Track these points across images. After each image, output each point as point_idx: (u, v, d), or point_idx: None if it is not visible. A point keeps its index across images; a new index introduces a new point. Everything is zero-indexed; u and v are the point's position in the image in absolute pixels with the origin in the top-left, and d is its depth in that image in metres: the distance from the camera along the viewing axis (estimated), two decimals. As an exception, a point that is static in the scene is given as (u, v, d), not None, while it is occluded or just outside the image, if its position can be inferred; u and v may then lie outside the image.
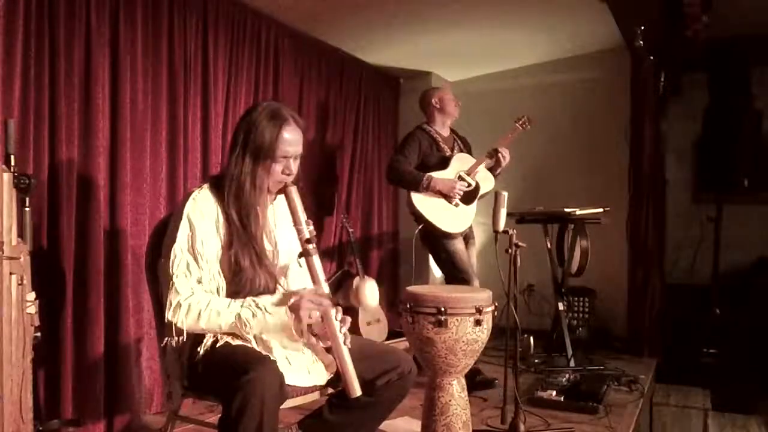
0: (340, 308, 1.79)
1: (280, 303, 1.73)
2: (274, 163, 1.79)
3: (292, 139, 1.80)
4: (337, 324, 1.75)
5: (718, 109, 4.22)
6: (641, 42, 3.86)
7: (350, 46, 4.36)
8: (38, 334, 1.97)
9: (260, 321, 1.71)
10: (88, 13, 2.60)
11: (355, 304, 1.74)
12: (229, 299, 1.74)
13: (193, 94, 3.13)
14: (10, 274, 1.79)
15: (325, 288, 1.81)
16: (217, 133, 3.29)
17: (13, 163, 1.97)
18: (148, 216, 2.86)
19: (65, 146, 2.52)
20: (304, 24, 3.88)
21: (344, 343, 1.76)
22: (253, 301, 1.73)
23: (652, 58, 4.17)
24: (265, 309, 1.71)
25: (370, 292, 1.75)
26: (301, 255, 1.80)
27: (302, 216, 1.80)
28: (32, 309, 1.90)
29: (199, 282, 1.73)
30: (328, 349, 1.89)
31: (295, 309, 1.72)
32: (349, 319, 1.80)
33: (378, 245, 4.89)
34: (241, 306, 1.72)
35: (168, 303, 1.70)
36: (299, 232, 1.79)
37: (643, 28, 3.80)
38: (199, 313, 1.69)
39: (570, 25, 4.23)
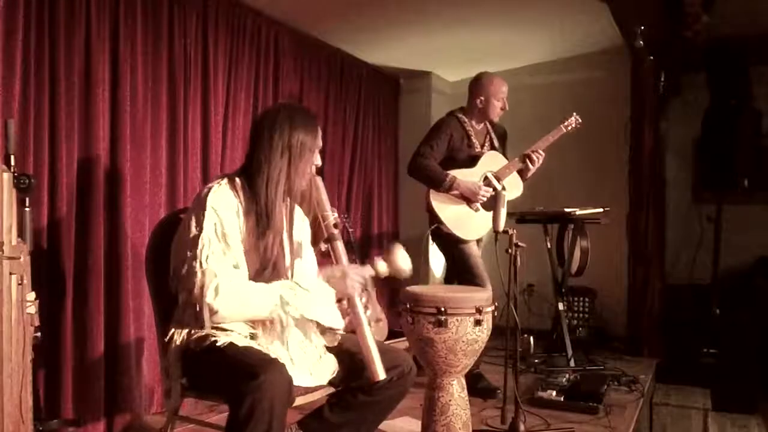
0: (367, 292, 1.85)
1: (321, 281, 1.80)
2: (312, 156, 1.88)
3: (320, 135, 1.93)
4: (362, 308, 1.78)
5: (718, 109, 4.23)
6: (641, 42, 3.87)
7: (350, 46, 4.36)
8: (38, 334, 1.97)
9: (302, 299, 1.74)
10: (88, 13, 2.60)
11: (390, 272, 1.83)
12: (262, 283, 1.76)
13: (193, 94, 3.13)
14: (10, 274, 1.79)
15: None
16: (217, 132, 3.29)
17: (13, 163, 1.97)
18: (148, 216, 2.86)
19: (65, 146, 2.52)
20: (304, 24, 3.88)
21: (368, 326, 1.80)
22: (292, 281, 1.78)
23: (652, 58, 4.17)
24: (305, 288, 1.76)
25: (402, 258, 1.81)
26: (327, 240, 1.87)
27: (327, 203, 1.90)
28: (32, 309, 1.90)
29: (236, 267, 1.72)
30: (337, 351, 1.92)
31: (340, 283, 1.79)
32: (375, 308, 1.84)
33: (378, 245, 4.89)
34: (281, 287, 1.75)
35: (204, 287, 1.65)
36: (324, 218, 1.88)
37: (643, 28, 3.80)
38: (243, 295, 1.69)
39: (570, 25, 4.23)
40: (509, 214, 2.77)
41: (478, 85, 3.26)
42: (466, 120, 3.26)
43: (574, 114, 3.35)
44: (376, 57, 4.63)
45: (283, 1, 3.50)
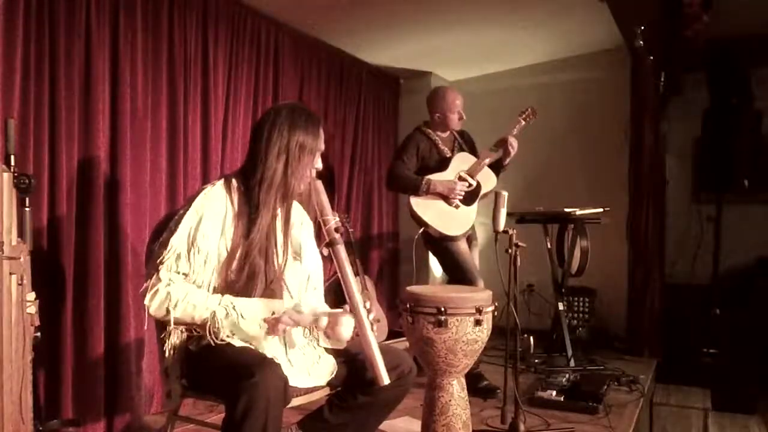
0: (367, 292, 1.83)
1: (258, 314, 1.75)
2: (312, 159, 1.87)
3: (323, 137, 1.92)
4: (364, 312, 1.77)
5: (718, 109, 4.23)
6: (641, 42, 3.86)
7: (350, 46, 4.36)
8: (38, 334, 1.97)
9: (232, 323, 1.72)
10: (88, 13, 2.60)
11: (328, 334, 1.80)
12: (207, 293, 1.75)
13: (193, 94, 3.13)
14: (10, 274, 1.79)
15: (351, 275, 1.85)
16: (217, 132, 3.29)
17: (13, 163, 1.97)
18: (148, 216, 2.86)
19: (65, 146, 2.52)
20: (304, 24, 3.88)
21: (371, 330, 1.77)
22: (231, 302, 1.74)
23: (652, 58, 4.17)
24: (240, 314, 1.73)
25: (345, 326, 1.78)
26: (328, 245, 1.85)
27: (328, 207, 1.88)
28: (32, 309, 1.90)
29: (185, 275, 1.74)
30: (337, 352, 1.91)
31: (271, 321, 1.74)
32: (374, 308, 1.81)
33: (378, 245, 4.89)
34: (218, 304, 1.73)
35: (149, 287, 1.72)
36: (326, 223, 1.86)
37: (643, 28, 3.80)
38: (177, 303, 1.70)
39: (570, 25, 4.23)
40: (509, 214, 2.77)
41: (432, 102, 3.40)
42: (431, 131, 3.38)
43: (530, 107, 3.39)
44: (376, 57, 4.63)
45: (283, 1, 3.50)
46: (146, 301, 1.71)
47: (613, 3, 3.63)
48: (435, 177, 3.21)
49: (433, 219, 3.19)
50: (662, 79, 4.30)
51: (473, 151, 3.44)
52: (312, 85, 4.10)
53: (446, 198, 3.21)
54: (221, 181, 1.86)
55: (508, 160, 3.31)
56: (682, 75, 4.47)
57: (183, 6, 3.05)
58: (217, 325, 1.71)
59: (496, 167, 3.36)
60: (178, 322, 1.74)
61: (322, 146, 1.91)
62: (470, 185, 3.25)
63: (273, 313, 1.76)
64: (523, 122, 3.36)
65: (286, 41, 3.81)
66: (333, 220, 1.86)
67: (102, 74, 2.66)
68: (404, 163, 3.28)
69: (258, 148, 1.82)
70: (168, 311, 1.70)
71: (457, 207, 3.23)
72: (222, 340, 1.72)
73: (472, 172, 3.27)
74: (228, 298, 1.74)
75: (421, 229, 3.23)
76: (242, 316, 1.73)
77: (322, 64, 4.21)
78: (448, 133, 3.43)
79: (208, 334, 1.72)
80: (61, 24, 2.49)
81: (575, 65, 4.87)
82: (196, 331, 1.77)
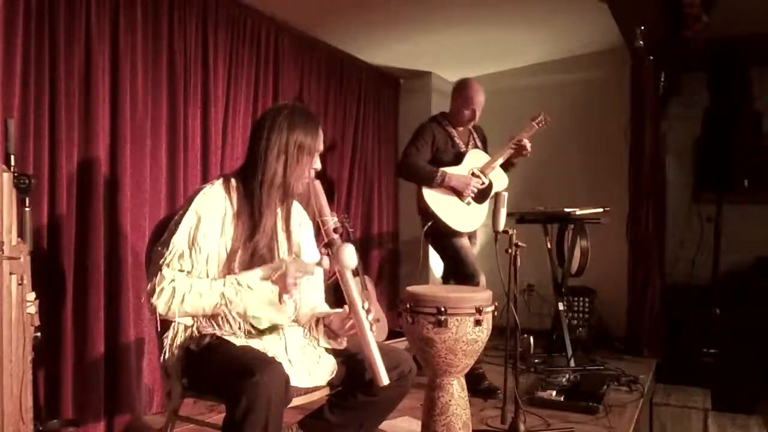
0: (367, 292, 1.83)
1: (263, 278, 1.77)
2: (311, 159, 1.86)
3: (322, 137, 1.91)
4: (363, 313, 1.77)
5: (718, 109, 4.23)
6: (641, 42, 3.86)
7: (350, 46, 4.36)
8: (38, 334, 1.97)
9: (244, 298, 1.74)
10: (88, 13, 2.60)
11: (335, 268, 1.80)
12: (210, 280, 1.76)
13: (193, 94, 3.13)
14: (10, 274, 1.79)
15: (351, 275, 1.84)
16: (217, 133, 3.29)
17: (13, 163, 1.97)
18: (148, 216, 2.86)
19: (65, 146, 2.52)
20: (304, 24, 3.88)
21: (371, 330, 1.77)
22: (236, 279, 1.75)
23: (652, 58, 4.17)
24: (248, 286, 1.74)
25: (349, 254, 1.79)
26: (326, 245, 1.84)
27: (327, 208, 1.88)
28: (32, 309, 1.90)
29: (189, 272, 1.75)
30: (336, 352, 1.91)
31: (279, 279, 1.75)
32: (374, 308, 1.82)
33: (378, 245, 4.89)
34: (224, 285, 1.74)
35: (152, 287, 1.72)
36: (324, 223, 1.85)
37: (643, 28, 3.80)
38: (183, 297, 1.71)
39: (570, 25, 4.23)
40: (509, 214, 2.77)
41: (453, 91, 3.38)
42: (448, 123, 3.35)
43: (542, 112, 3.43)
44: (376, 57, 4.63)
45: (283, 1, 3.50)
46: (153, 300, 1.71)
47: (613, 3, 3.63)
48: (449, 171, 3.17)
49: (444, 212, 3.15)
50: (662, 79, 4.30)
51: (485, 149, 3.43)
52: (312, 86, 4.10)
53: (459, 193, 3.17)
54: (220, 181, 1.86)
55: (516, 160, 3.34)
56: (682, 75, 4.47)
57: (183, 6, 3.05)
58: (230, 306, 1.73)
59: (503, 165, 3.36)
60: (187, 316, 1.75)
61: (321, 146, 1.91)
62: (483, 183, 3.23)
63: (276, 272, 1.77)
64: (536, 127, 3.38)
65: (286, 41, 3.81)
66: (331, 220, 1.86)
67: (102, 74, 2.66)
68: (418, 151, 3.21)
69: (257, 148, 1.83)
70: (175, 307, 1.70)
71: (468, 204, 3.20)
72: (236, 319, 1.74)
73: (485, 170, 3.26)
74: (230, 276, 1.76)
75: (430, 222, 3.16)
76: (250, 287, 1.74)
77: (322, 64, 4.20)
78: (465, 127, 3.40)
79: (223, 316, 1.73)
80: (61, 24, 2.49)
81: (575, 65, 4.87)
82: (198, 331, 1.77)
